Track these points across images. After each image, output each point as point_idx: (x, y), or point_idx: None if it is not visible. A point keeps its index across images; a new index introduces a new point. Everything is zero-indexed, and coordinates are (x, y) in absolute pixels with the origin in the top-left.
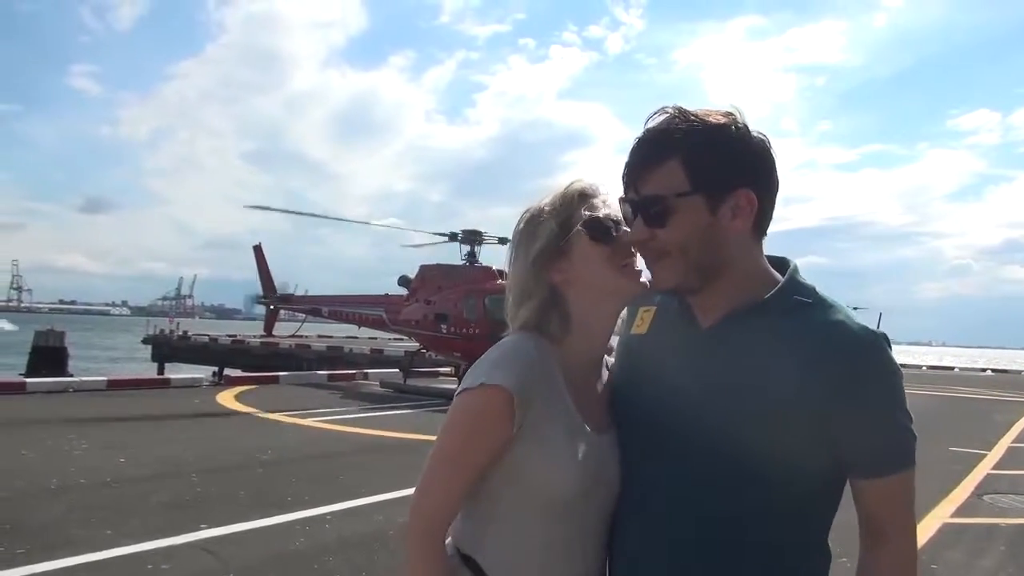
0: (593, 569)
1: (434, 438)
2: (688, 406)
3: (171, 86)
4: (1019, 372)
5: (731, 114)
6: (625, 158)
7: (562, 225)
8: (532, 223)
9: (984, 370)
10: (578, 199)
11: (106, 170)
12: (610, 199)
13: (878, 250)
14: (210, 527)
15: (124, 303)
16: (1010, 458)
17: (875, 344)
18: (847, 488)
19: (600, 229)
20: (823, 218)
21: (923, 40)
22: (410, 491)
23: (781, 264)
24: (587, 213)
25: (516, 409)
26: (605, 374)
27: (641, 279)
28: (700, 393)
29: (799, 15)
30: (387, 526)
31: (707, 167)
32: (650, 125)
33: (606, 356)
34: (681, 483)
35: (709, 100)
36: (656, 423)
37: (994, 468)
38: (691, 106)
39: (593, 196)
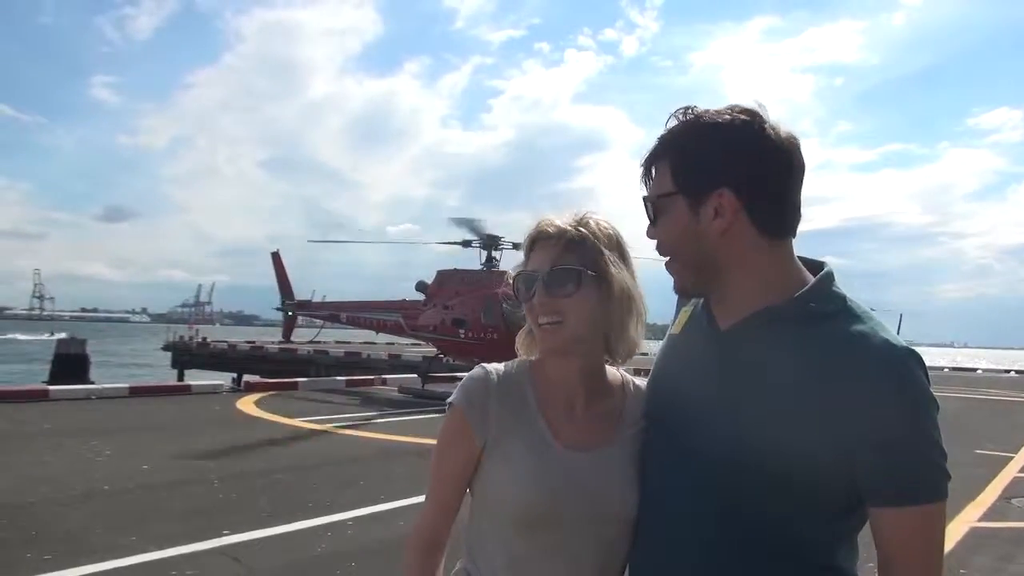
0: (572, 569)
1: None
2: (700, 410)
3: (189, 95)
4: None
5: (742, 111)
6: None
7: (516, 270)
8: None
9: (1008, 371)
10: (530, 244)
11: (126, 179)
12: (572, 238)
13: (898, 251)
14: (233, 533)
15: (144, 310)
16: None
17: (898, 363)
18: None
19: (519, 287)
20: (842, 219)
21: (942, 38)
22: None
23: (817, 268)
24: (521, 267)
25: (468, 422)
26: (615, 395)
27: (551, 341)
28: (711, 397)
29: (816, 15)
30: (409, 532)
31: (688, 168)
32: (666, 127)
33: (630, 379)
34: (689, 487)
35: (727, 102)
36: (674, 424)
37: (1021, 471)
38: (713, 108)
39: (544, 240)
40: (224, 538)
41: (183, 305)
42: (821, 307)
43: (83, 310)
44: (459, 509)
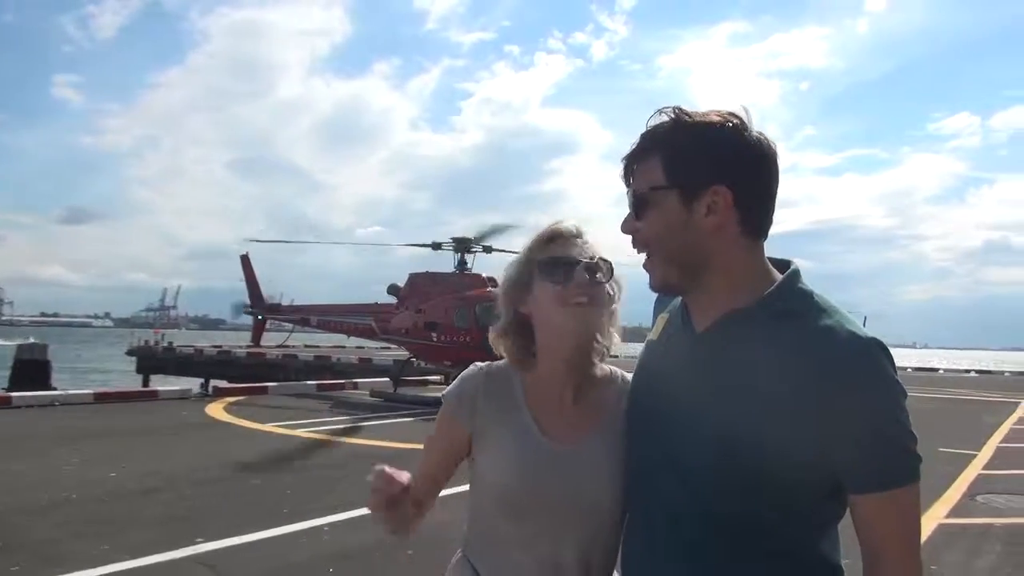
0: (560, 563)
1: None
2: (680, 411)
3: (155, 95)
4: (1002, 373)
5: (731, 114)
6: (617, 164)
7: (528, 262)
8: (509, 263)
9: (968, 371)
10: (547, 238)
11: (89, 180)
12: (586, 240)
13: (862, 253)
14: (207, 540)
15: (107, 315)
16: (1000, 458)
17: (864, 351)
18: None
19: (550, 269)
20: (807, 222)
21: (905, 45)
22: None
23: (785, 267)
24: (549, 254)
25: (455, 414)
26: (604, 388)
27: (585, 321)
28: (691, 398)
29: (782, 20)
30: (388, 537)
31: (683, 163)
32: (648, 124)
33: (615, 369)
34: (674, 488)
35: (695, 107)
36: (656, 427)
37: (985, 468)
38: (696, 109)
39: (564, 236)
40: (199, 546)
41: (147, 309)
42: (789, 305)
43: (43, 315)
44: (442, 484)
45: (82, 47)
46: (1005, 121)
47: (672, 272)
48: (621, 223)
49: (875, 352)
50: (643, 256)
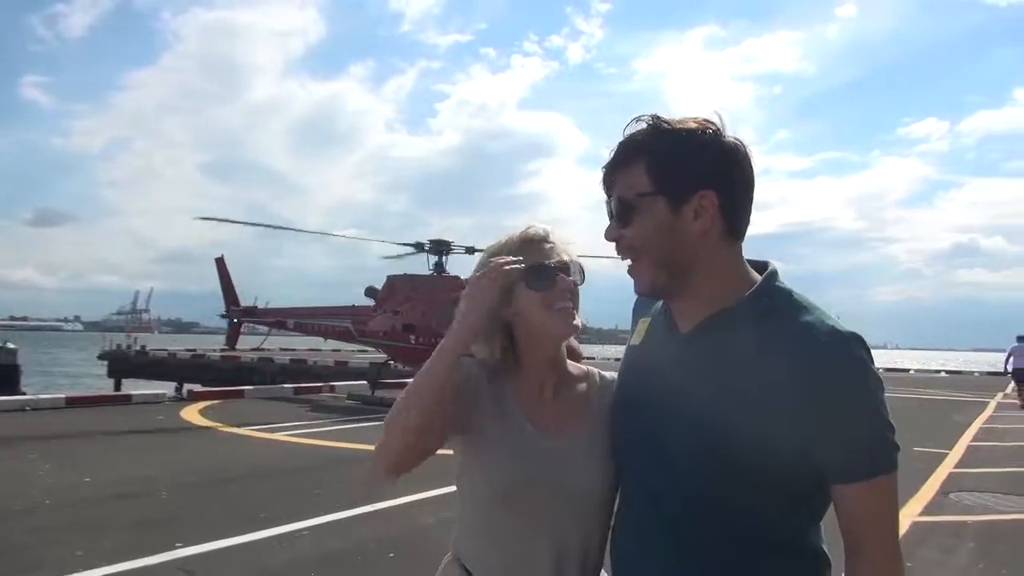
0: (552, 551)
1: None
2: (669, 412)
3: (126, 96)
4: (972, 373)
5: (707, 120)
6: (593, 168)
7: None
8: (479, 268)
9: (938, 371)
10: (521, 246)
11: (59, 182)
12: (553, 242)
13: (834, 255)
14: (186, 546)
15: (77, 318)
16: (971, 456)
17: (843, 345)
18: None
19: (534, 277)
20: (780, 224)
21: (875, 50)
22: (389, 504)
23: (763, 268)
24: (527, 262)
25: (465, 383)
26: (584, 384)
27: (573, 322)
28: (681, 397)
29: (755, 24)
30: (368, 540)
31: (669, 169)
32: (625, 130)
33: (596, 371)
34: (666, 486)
35: (670, 110)
36: (645, 429)
37: (956, 467)
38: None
39: (538, 242)
40: (177, 551)
41: (119, 312)
42: (771, 303)
43: (12, 318)
44: (440, 425)
45: (51, 47)
46: (972, 126)
47: (661, 276)
48: (605, 231)
49: (856, 346)
50: (626, 260)
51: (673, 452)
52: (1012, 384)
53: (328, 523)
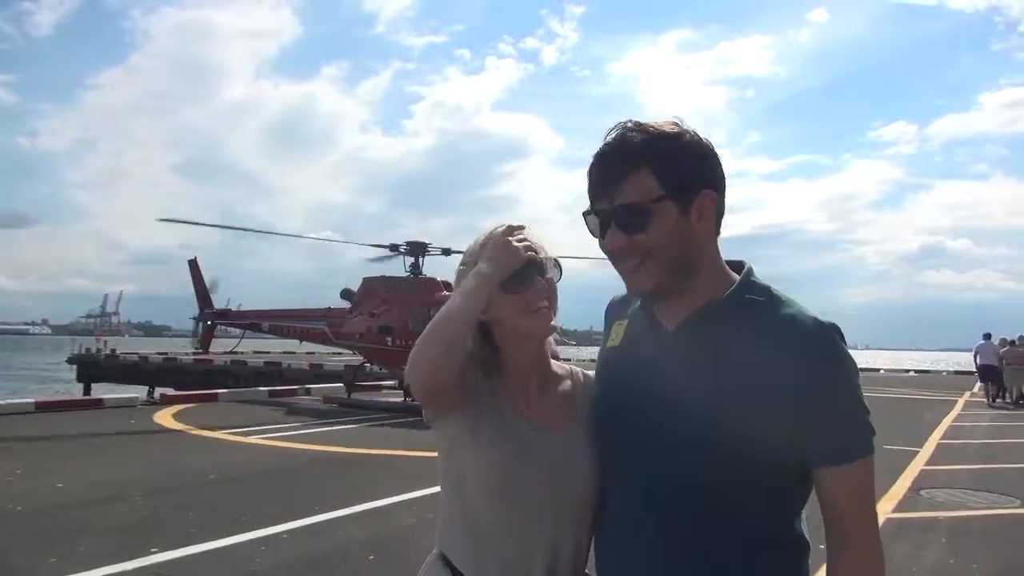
0: (544, 546)
1: (383, 452)
2: (664, 409)
3: (94, 96)
4: (940, 372)
5: (678, 123)
6: (568, 169)
7: None
8: (460, 266)
9: (908, 371)
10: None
11: (25, 183)
12: (532, 242)
13: (806, 257)
14: (162, 550)
15: (44, 322)
16: (940, 454)
17: (826, 334)
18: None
19: (511, 282)
20: (753, 227)
21: (845, 54)
22: (369, 506)
23: (740, 267)
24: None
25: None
26: (567, 382)
27: (550, 323)
28: (670, 396)
29: (728, 29)
30: (348, 543)
31: (675, 172)
32: (611, 139)
33: (577, 369)
34: (662, 483)
35: (645, 112)
36: (638, 429)
37: (927, 464)
38: (631, 117)
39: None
40: (153, 556)
41: (88, 316)
42: (755, 297)
43: None
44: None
45: (16, 45)
46: (939, 129)
47: (666, 277)
48: (608, 241)
49: (835, 334)
50: (623, 264)
51: (671, 449)
52: (979, 383)
53: (307, 526)
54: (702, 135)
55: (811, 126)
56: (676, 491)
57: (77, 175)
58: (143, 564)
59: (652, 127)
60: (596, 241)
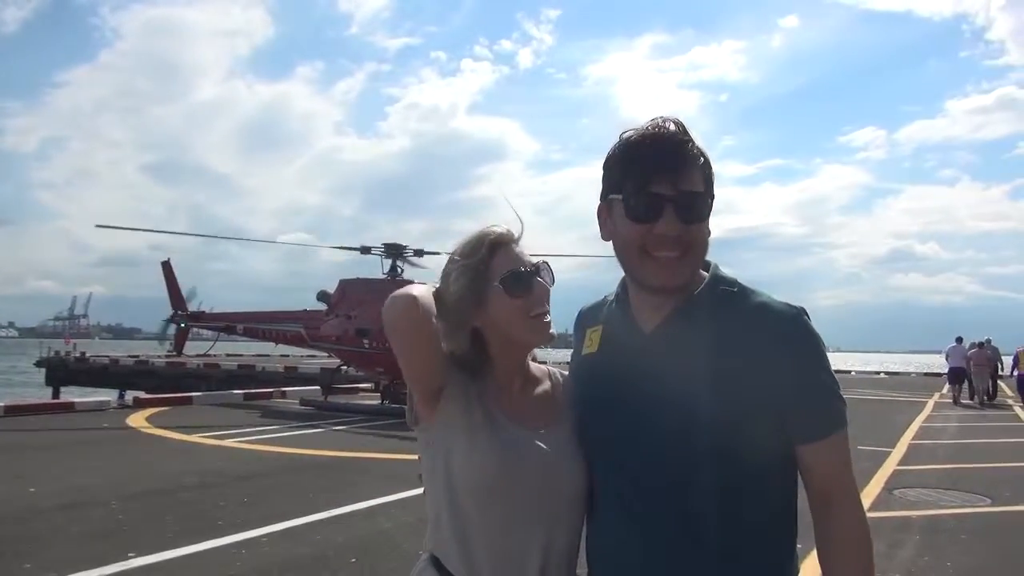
0: (537, 546)
1: (361, 455)
2: (647, 407)
3: (62, 94)
4: (909, 374)
5: None
6: (543, 172)
7: (475, 274)
8: (448, 269)
9: (878, 373)
10: (489, 248)
11: None
12: (520, 244)
13: (778, 260)
14: (140, 555)
15: (11, 324)
16: (912, 454)
17: (799, 317)
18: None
19: (515, 283)
20: (726, 230)
21: (817, 60)
22: (348, 509)
23: (705, 266)
24: (505, 269)
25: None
26: (547, 383)
27: (550, 330)
28: (656, 393)
29: (702, 33)
30: (327, 546)
31: (710, 175)
32: (665, 126)
33: (554, 370)
34: (653, 479)
35: (621, 116)
36: (622, 429)
37: (899, 464)
38: (605, 123)
39: (506, 244)
40: (130, 561)
41: (56, 318)
42: (728, 288)
43: None
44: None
45: None
46: (908, 135)
47: (694, 273)
48: (663, 225)
49: (805, 317)
50: (656, 252)
51: (660, 445)
52: (947, 384)
53: (286, 529)
54: None
55: (783, 131)
56: (669, 487)
57: (44, 174)
58: (120, 569)
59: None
60: (561, 247)
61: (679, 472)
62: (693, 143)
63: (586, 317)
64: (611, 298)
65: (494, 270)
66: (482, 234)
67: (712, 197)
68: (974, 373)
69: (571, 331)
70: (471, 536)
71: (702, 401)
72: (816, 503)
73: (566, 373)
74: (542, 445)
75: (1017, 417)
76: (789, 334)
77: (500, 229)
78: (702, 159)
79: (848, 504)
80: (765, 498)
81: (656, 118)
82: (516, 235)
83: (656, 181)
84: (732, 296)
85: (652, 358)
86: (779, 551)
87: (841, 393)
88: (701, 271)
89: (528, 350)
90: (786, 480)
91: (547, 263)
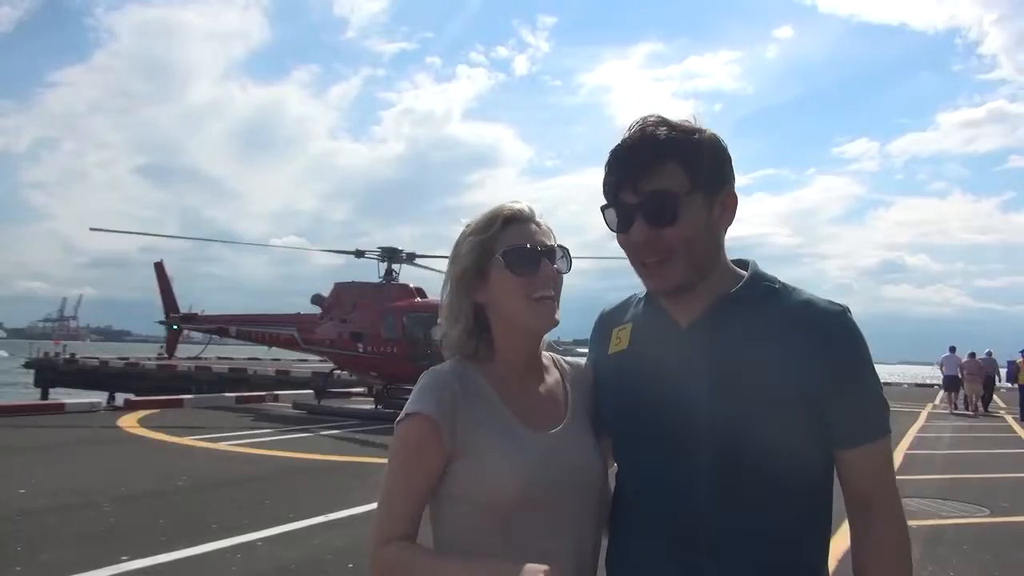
0: (570, 544)
1: (356, 459)
2: (685, 406)
3: (55, 94)
4: (900, 384)
5: (692, 121)
6: (536, 179)
7: (483, 248)
8: (458, 244)
9: None
10: (502, 223)
11: None
12: (540, 224)
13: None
14: (132, 558)
15: (0, 325)
16: (909, 464)
17: (842, 314)
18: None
19: (518, 259)
20: None
21: (811, 71)
22: (345, 513)
23: (743, 264)
24: (511, 242)
25: (441, 431)
26: (554, 374)
27: (553, 315)
28: (694, 391)
29: (697, 43)
30: (323, 551)
31: (701, 167)
32: (636, 132)
33: (558, 357)
34: (687, 481)
35: (616, 124)
36: (657, 430)
37: (898, 475)
38: (599, 131)
39: (521, 220)
40: (123, 564)
41: (45, 320)
42: (770, 285)
43: None
44: (420, 522)
45: None
46: (900, 147)
47: (691, 273)
48: (633, 234)
49: (850, 316)
50: (640, 258)
51: (700, 444)
52: (941, 393)
53: (282, 534)
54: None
55: (777, 141)
56: (709, 486)
57: (35, 175)
58: (113, 572)
59: (675, 122)
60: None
61: (716, 475)
62: (671, 135)
63: (610, 318)
64: (637, 297)
65: (502, 244)
66: (497, 209)
67: (710, 186)
68: (966, 381)
69: (575, 339)
70: (506, 545)
71: (739, 402)
72: (855, 510)
73: (570, 360)
74: (563, 443)
75: (1010, 428)
76: (831, 333)
77: (518, 205)
78: (686, 147)
79: (890, 512)
80: (800, 503)
81: (635, 121)
82: (535, 214)
83: (623, 189)
84: (774, 292)
85: (689, 354)
86: (813, 559)
87: (884, 396)
88: (738, 269)
89: (534, 338)
90: (823, 485)
91: (566, 248)
